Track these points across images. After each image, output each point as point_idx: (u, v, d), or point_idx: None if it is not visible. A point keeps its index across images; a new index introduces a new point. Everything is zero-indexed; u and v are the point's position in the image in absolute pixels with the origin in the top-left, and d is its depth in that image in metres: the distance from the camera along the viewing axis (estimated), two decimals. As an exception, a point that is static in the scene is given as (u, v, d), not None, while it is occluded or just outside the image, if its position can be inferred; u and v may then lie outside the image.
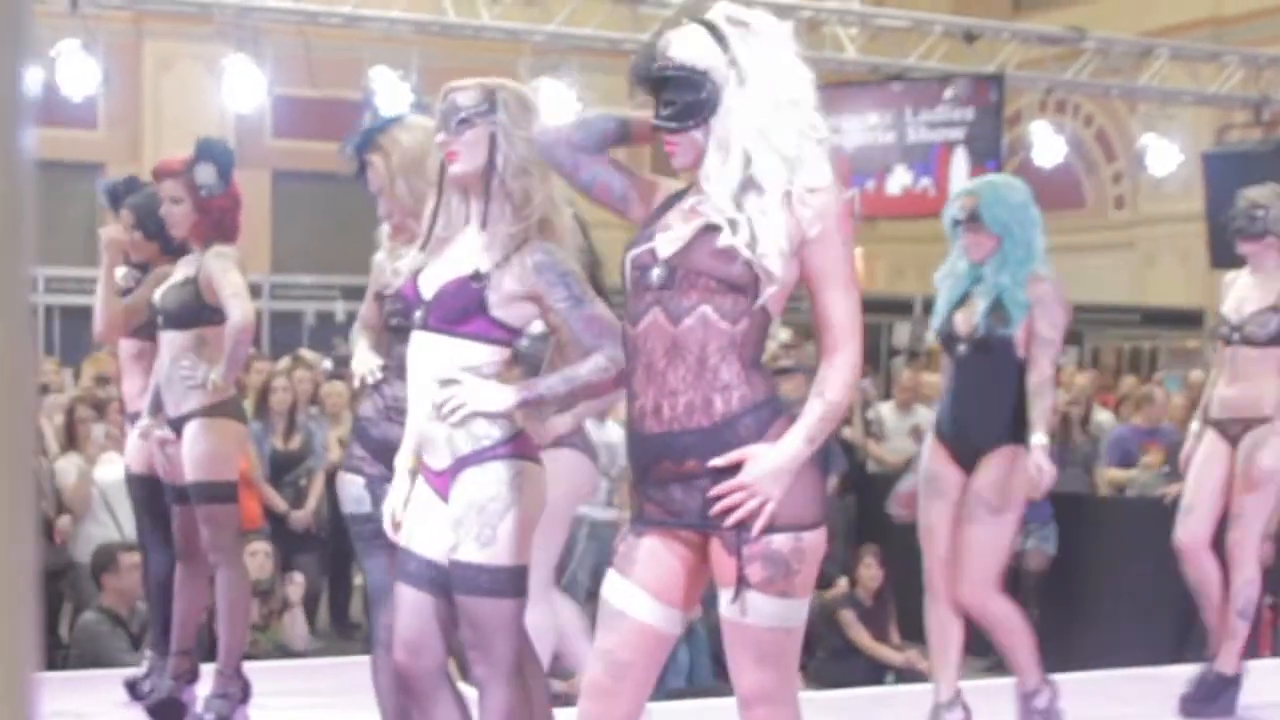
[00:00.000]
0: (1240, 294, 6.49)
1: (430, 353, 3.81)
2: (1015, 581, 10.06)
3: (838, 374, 3.31)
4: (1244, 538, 6.34)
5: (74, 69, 11.93)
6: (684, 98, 3.25)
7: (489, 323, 3.78)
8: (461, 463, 3.78)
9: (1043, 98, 16.03)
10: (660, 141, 3.38)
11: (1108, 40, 15.39)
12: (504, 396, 3.75)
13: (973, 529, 5.51)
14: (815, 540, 3.32)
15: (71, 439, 9.03)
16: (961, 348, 5.49)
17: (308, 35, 13.06)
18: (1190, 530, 6.45)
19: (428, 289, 3.82)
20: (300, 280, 17.43)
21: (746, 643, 3.30)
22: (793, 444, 3.24)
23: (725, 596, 3.29)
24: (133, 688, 6.15)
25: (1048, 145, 15.70)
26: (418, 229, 4.08)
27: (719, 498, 3.23)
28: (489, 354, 3.81)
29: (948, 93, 15.24)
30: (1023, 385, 5.37)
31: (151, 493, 5.89)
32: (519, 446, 3.81)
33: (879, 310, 18.59)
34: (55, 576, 8.54)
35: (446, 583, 3.82)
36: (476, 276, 3.76)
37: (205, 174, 5.53)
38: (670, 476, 3.29)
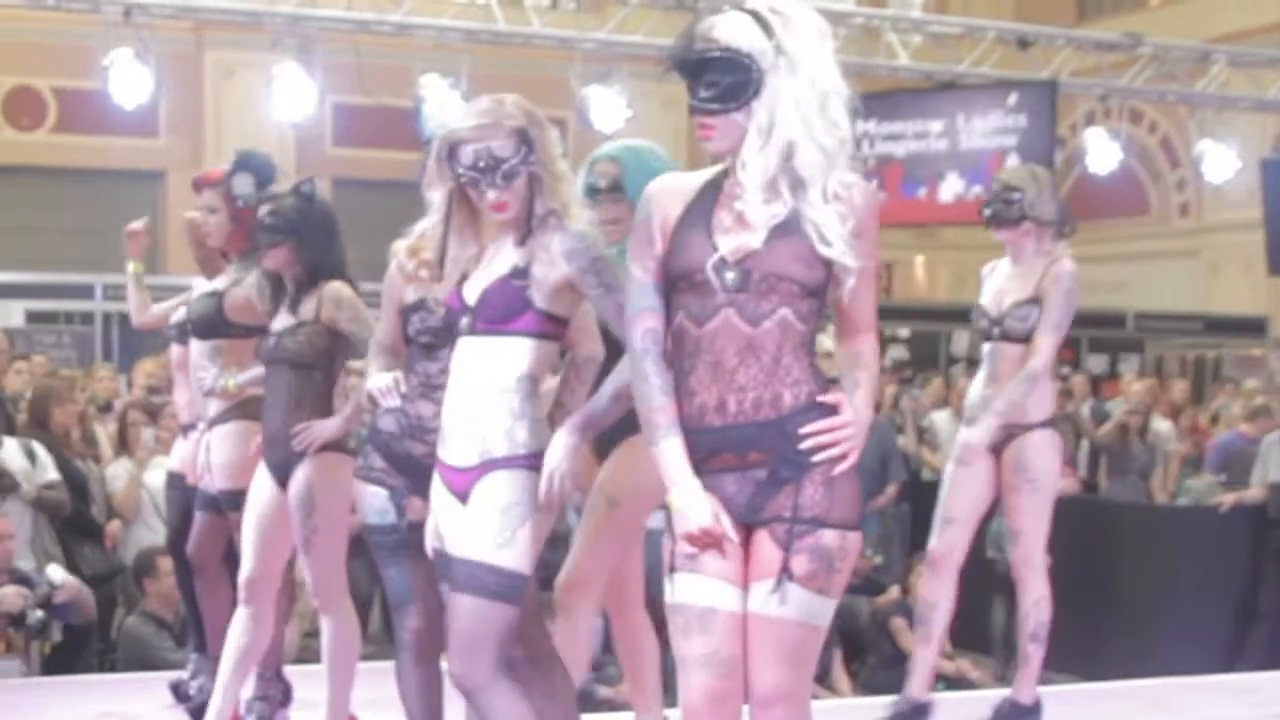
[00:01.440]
0: (998, 285, 5.83)
1: (481, 355, 3.78)
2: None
3: (871, 350, 3.43)
4: (1028, 555, 5.71)
5: (127, 78, 12.02)
6: (728, 79, 3.25)
7: (537, 316, 3.76)
8: (490, 464, 3.75)
9: (1102, 105, 15.89)
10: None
11: (1164, 46, 15.27)
12: (569, 442, 3.73)
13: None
14: (857, 542, 3.34)
15: (124, 444, 9.10)
16: None
17: (359, 43, 13.12)
18: (945, 543, 5.79)
19: (471, 295, 3.81)
20: (361, 288, 17.48)
21: (775, 638, 3.28)
22: (867, 408, 3.35)
23: (762, 589, 3.28)
24: (177, 690, 6.18)
25: (1102, 152, 15.57)
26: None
27: (771, 493, 3.26)
28: (541, 350, 3.79)
29: (1010, 99, 15.15)
30: None
31: (188, 495, 5.92)
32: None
33: (940, 319, 18.52)
34: (106, 580, 8.60)
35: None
36: (516, 273, 3.76)
37: (242, 184, 5.53)
38: (725, 468, 3.29)
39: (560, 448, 3.71)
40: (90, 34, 12.97)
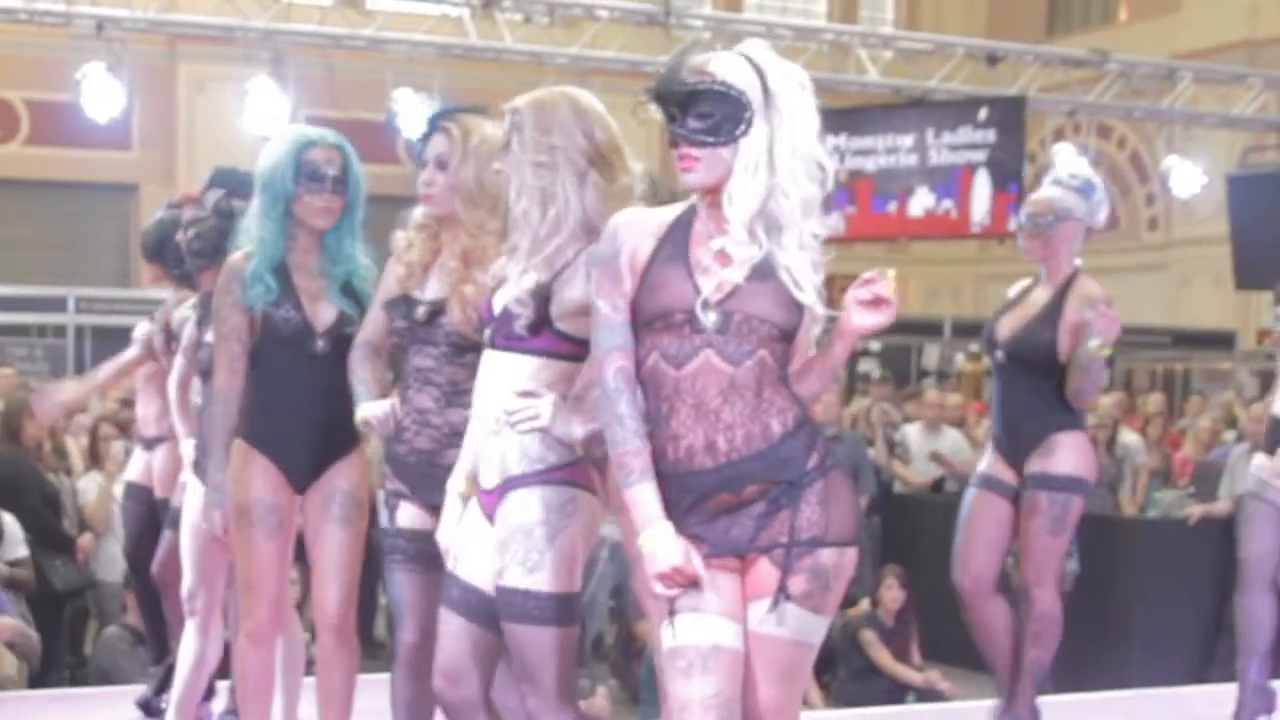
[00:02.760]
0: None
1: (498, 371, 3.69)
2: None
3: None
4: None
5: (100, 91, 12.03)
6: (721, 112, 3.23)
7: (555, 337, 3.66)
8: (510, 483, 3.66)
9: (1070, 120, 16.01)
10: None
11: (1131, 63, 15.38)
12: (576, 427, 3.53)
13: None
14: (854, 557, 3.36)
15: (95, 458, 9.09)
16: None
17: (331, 58, 13.15)
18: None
19: (498, 306, 3.72)
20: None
21: (769, 656, 3.29)
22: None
23: (759, 608, 3.29)
24: (147, 706, 6.17)
25: (1070, 167, 15.64)
26: (461, 221, 4.06)
27: (768, 521, 3.26)
28: (556, 370, 3.66)
29: (980, 115, 15.23)
30: None
31: (145, 507, 5.93)
32: (574, 474, 3.66)
33: (910, 332, 18.57)
34: (78, 593, 8.59)
35: (489, 611, 3.69)
36: (538, 289, 3.64)
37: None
38: (722, 510, 3.29)
39: (577, 428, 3.55)
40: (63, 47, 12.97)
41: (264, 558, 4.49)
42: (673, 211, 3.37)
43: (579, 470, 3.67)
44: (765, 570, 3.28)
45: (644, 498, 3.24)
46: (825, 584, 3.29)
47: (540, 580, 3.58)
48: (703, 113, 3.24)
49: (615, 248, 3.32)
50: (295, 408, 4.51)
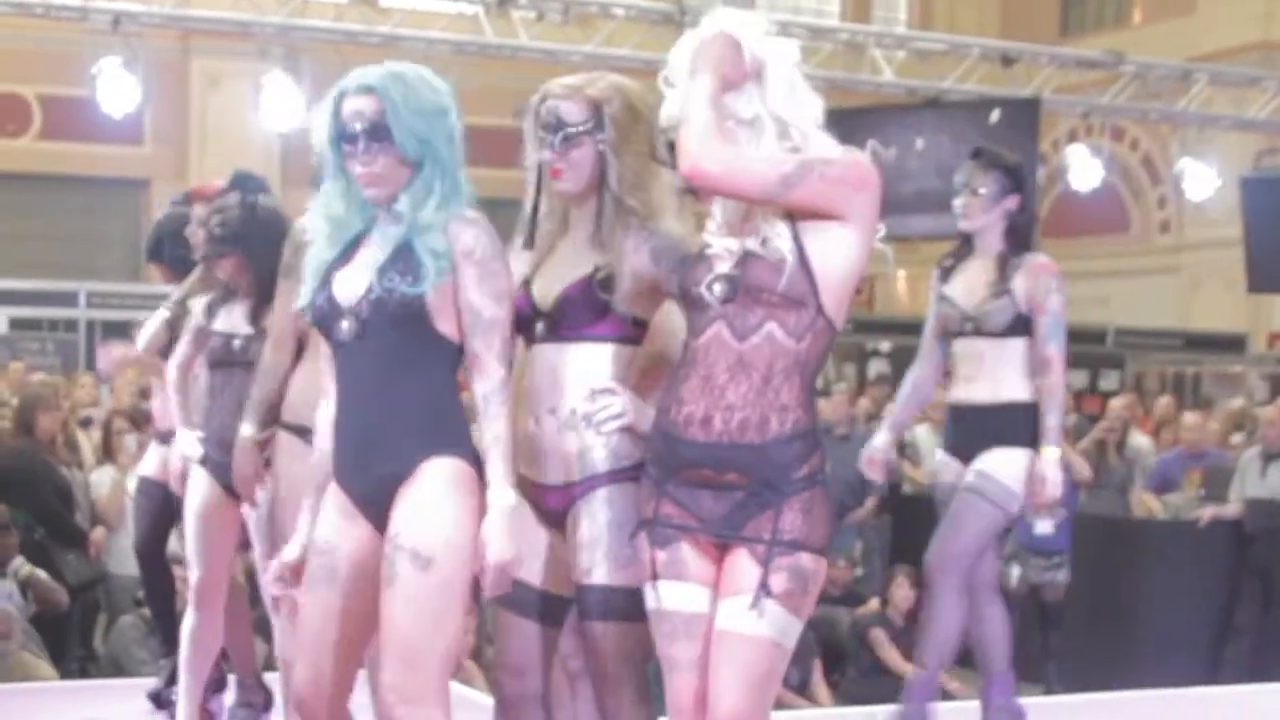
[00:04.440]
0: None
1: (559, 363, 3.59)
2: (1038, 611, 10.09)
3: None
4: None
5: (115, 86, 12.05)
6: None
7: (620, 321, 3.58)
8: (595, 480, 3.57)
9: (1084, 122, 16.01)
10: None
11: (1146, 65, 15.36)
12: (648, 420, 3.47)
13: None
14: (824, 571, 3.38)
15: (108, 451, 9.11)
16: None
17: (346, 54, 13.16)
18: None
19: (544, 299, 3.61)
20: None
21: (744, 658, 3.26)
22: None
23: (736, 605, 3.27)
24: (158, 698, 6.19)
25: (1084, 169, 15.66)
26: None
27: (748, 514, 3.28)
28: (623, 355, 3.60)
29: (993, 116, 15.22)
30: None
31: (158, 503, 5.95)
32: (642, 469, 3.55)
33: (920, 333, 18.56)
34: (90, 587, 8.61)
35: (547, 607, 3.67)
36: (597, 273, 3.57)
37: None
38: (702, 483, 3.31)
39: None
40: (77, 42, 13.00)
41: None
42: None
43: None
44: (743, 564, 3.28)
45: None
46: (804, 587, 3.29)
47: (630, 576, 3.49)
48: None
49: None
50: None
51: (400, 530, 3.32)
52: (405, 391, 3.39)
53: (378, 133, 3.35)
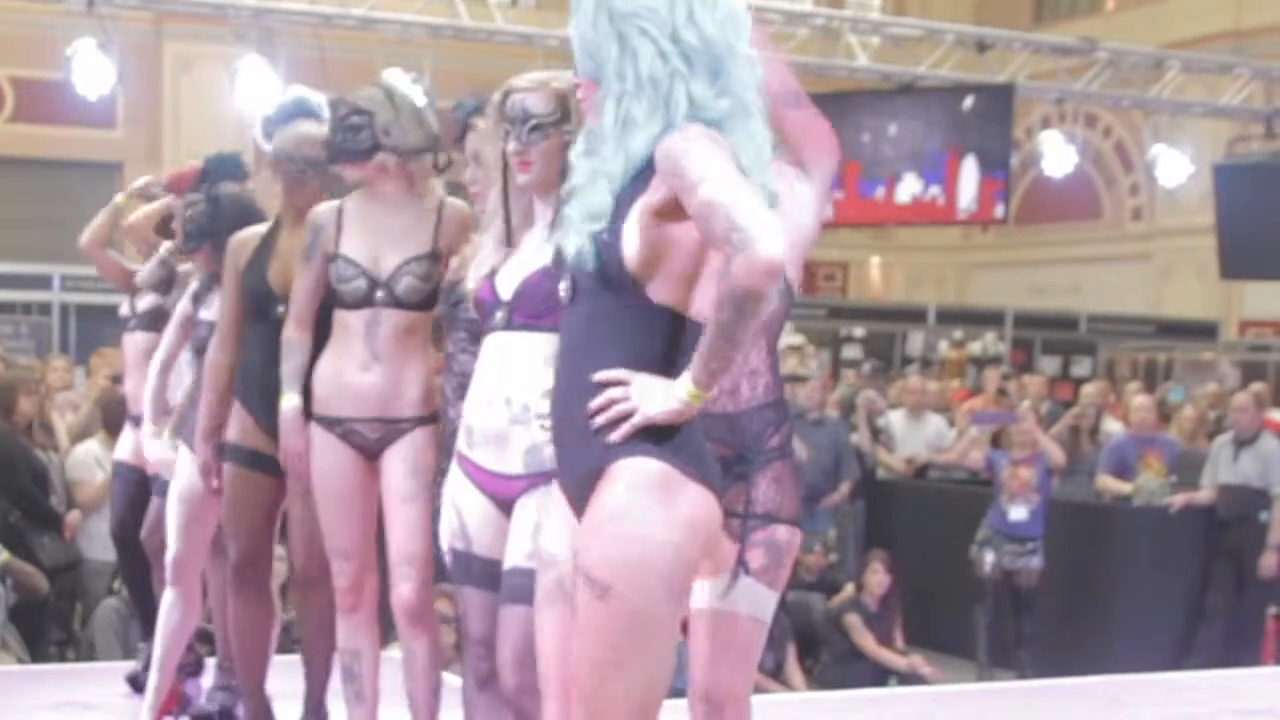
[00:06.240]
0: None
1: (515, 351, 3.59)
2: (1012, 597, 10.14)
3: None
4: None
5: (90, 68, 12.00)
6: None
7: None
8: (540, 478, 3.49)
9: (1057, 108, 16.06)
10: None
11: (1119, 51, 15.42)
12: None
13: None
14: (799, 540, 3.40)
15: (110, 429, 8.98)
16: None
17: (322, 37, 13.13)
18: None
19: (506, 289, 3.63)
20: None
21: (731, 636, 3.31)
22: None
23: (716, 586, 3.30)
24: (135, 681, 6.19)
25: (1058, 155, 15.73)
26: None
27: (726, 482, 3.07)
28: None
29: (966, 103, 15.27)
30: None
31: (139, 486, 5.95)
32: None
33: (894, 319, 18.66)
34: (66, 570, 8.58)
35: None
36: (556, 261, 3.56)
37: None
38: None
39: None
40: (50, 24, 12.94)
41: None
42: None
43: None
44: (722, 544, 3.25)
45: None
46: (779, 560, 3.33)
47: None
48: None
49: None
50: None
51: (580, 548, 2.86)
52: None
53: None
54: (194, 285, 5.42)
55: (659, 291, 2.82)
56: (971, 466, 11.37)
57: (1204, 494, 10.55)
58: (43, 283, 15.36)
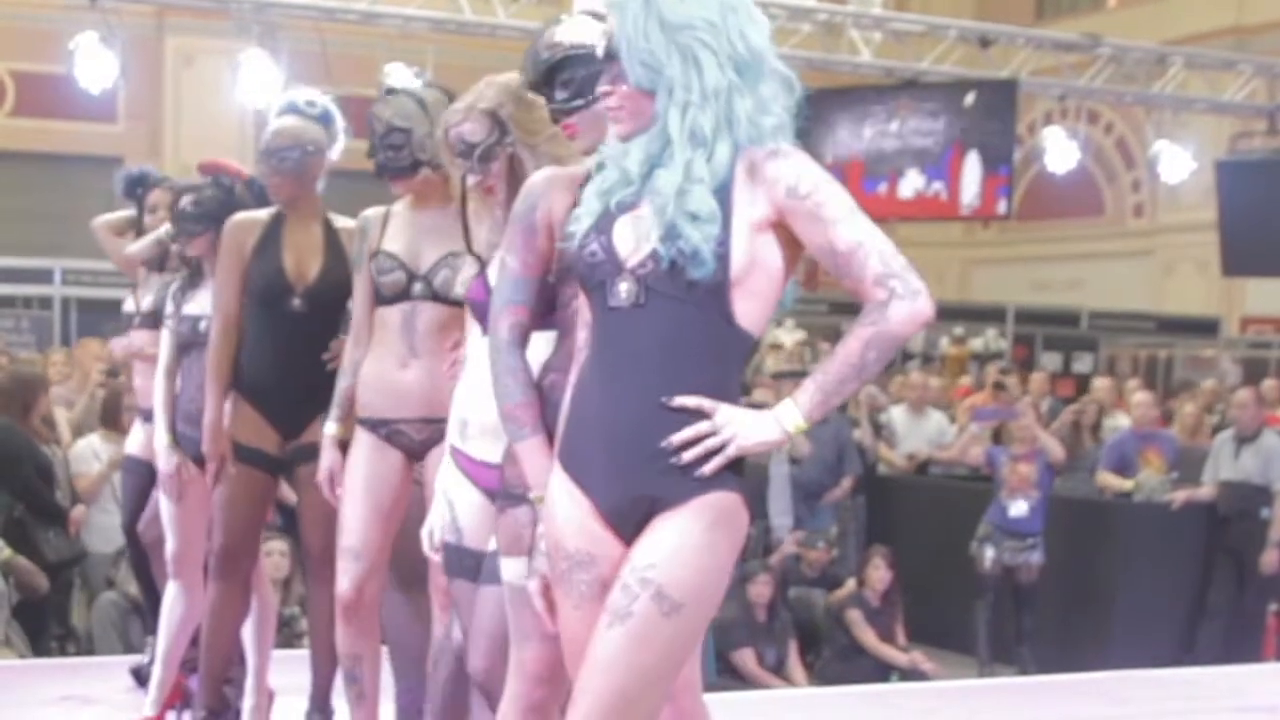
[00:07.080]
0: None
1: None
2: (1013, 593, 10.16)
3: None
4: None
5: (92, 62, 11.98)
6: (581, 74, 3.27)
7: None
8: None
9: (1060, 105, 16.04)
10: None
11: (1122, 47, 15.40)
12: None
13: None
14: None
15: (114, 423, 8.97)
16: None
17: (324, 32, 13.12)
18: None
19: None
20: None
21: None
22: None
23: (520, 565, 3.30)
24: (138, 674, 6.20)
25: (1060, 151, 15.71)
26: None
27: None
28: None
29: (968, 99, 15.25)
30: None
31: (149, 481, 5.95)
32: None
33: (895, 315, 18.64)
34: (68, 565, 8.58)
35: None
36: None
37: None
38: None
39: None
40: (51, 18, 12.94)
41: None
42: (584, 168, 3.23)
43: None
44: None
45: (537, 451, 3.07)
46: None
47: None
48: (564, 81, 3.30)
49: (533, 205, 3.22)
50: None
51: (656, 562, 2.77)
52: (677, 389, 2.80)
53: None
54: (174, 285, 5.43)
55: (741, 311, 2.77)
56: (972, 463, 11.38)
57: (1205, 490, 10.55)
58: (43, 277, 15.37)
